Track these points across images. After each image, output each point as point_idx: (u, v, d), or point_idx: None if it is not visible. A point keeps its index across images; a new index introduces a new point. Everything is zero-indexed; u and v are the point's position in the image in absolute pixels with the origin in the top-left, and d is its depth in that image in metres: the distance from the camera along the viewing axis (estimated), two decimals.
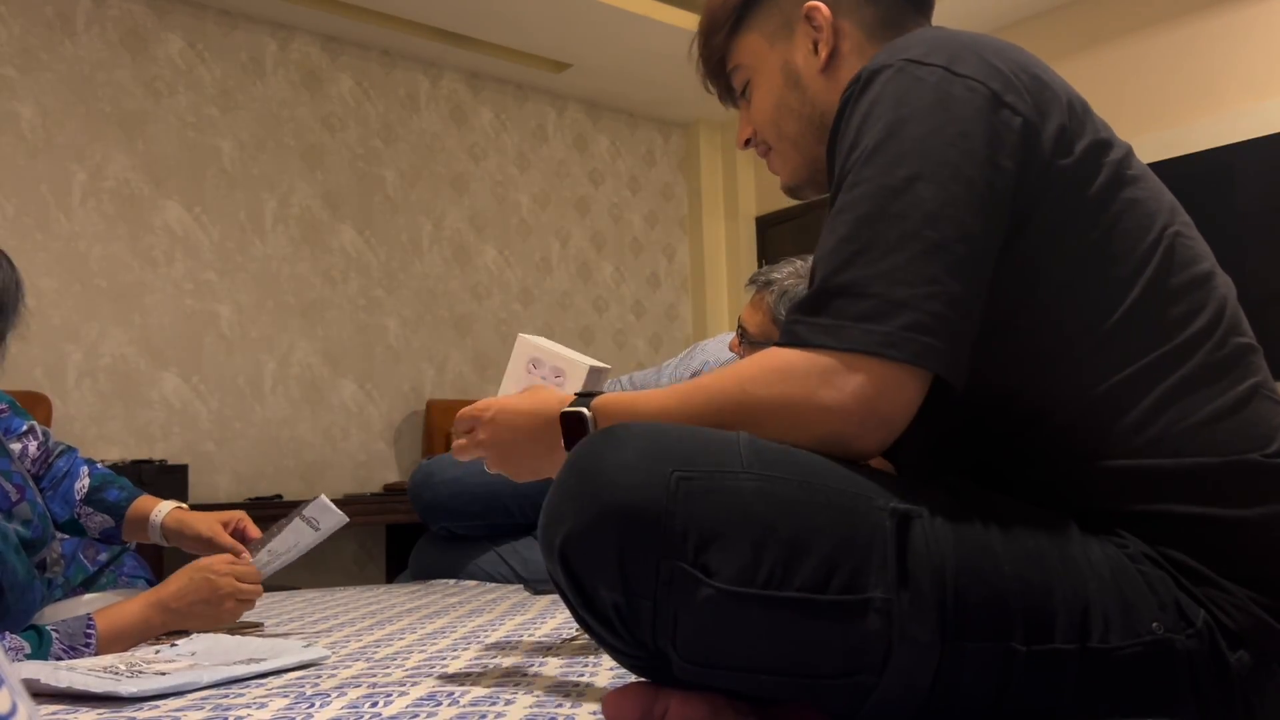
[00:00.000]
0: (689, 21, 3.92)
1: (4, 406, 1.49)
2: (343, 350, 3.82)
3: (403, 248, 4.01)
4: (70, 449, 1.58)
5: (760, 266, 4.89)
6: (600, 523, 0.71)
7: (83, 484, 1.53)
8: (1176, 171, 3.40)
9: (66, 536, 1.60)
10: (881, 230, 0.74)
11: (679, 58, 4.46)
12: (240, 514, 1.51)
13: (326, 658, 1.16)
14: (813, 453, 0.76)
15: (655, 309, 4.83)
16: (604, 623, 0.75)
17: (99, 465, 1.59)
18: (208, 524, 1.49)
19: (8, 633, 1.14)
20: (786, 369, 0.76)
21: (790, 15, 0.97)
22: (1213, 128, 3.37)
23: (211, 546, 1.46)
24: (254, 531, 1.49)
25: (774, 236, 4.86)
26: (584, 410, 0.88)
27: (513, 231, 4.35)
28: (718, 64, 1.04)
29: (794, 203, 4.73)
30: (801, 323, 0.77)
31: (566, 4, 3.67)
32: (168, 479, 3.07)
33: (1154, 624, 0.73)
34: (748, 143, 1.05)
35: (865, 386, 0.73)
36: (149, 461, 3.12)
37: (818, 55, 0.96)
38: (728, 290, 4.94)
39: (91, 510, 1.52)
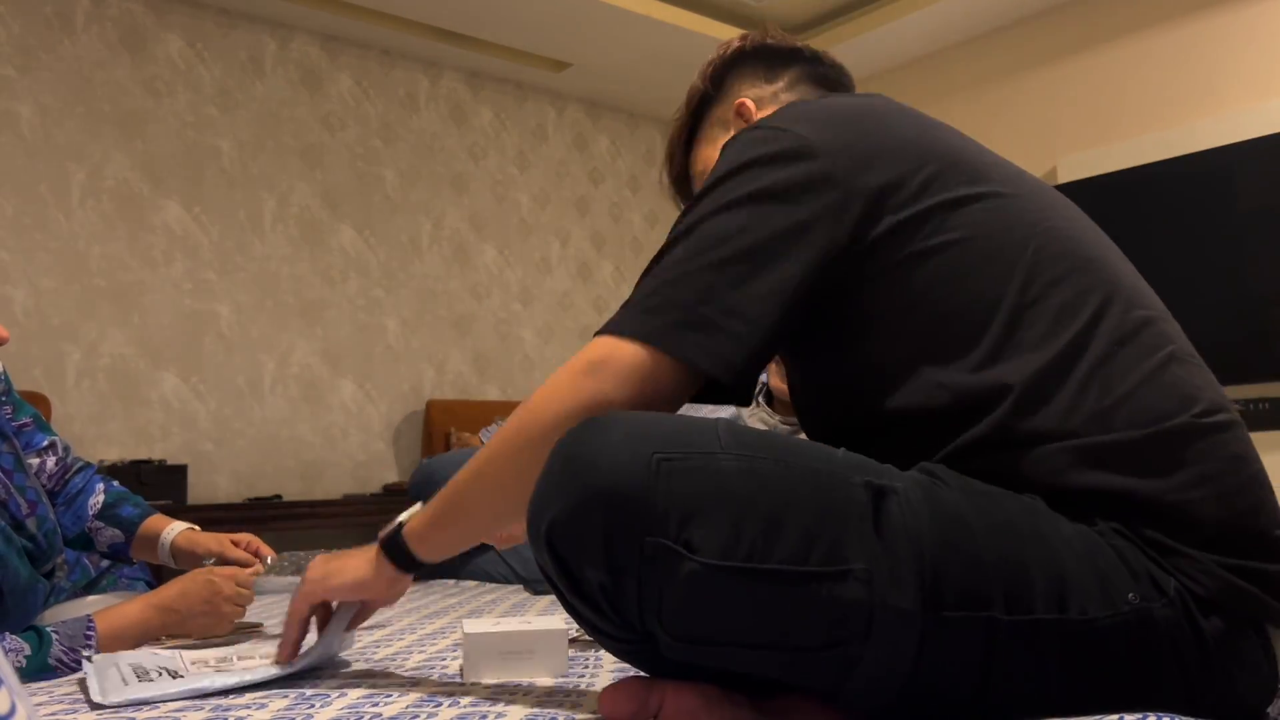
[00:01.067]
0: (689, 21, 3.92)
1: (28, 420, 1.49)
2: (342, 350, 3.82)
3: (402, 248, 4.01)
4: (88, 465, 1.58)
5: None
6: (585, 505, 0.73)
7: (96, 500, 1.54)
8: (1176, 171, 3.40)
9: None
10: (682, 248, 0.87)
11: (679, 57, 4.49)
12: (251, 536, 1.52)
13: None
14: (789, 435, 0.79)
15: None
16: (592, 606, 0.77)
17: (115, 483, 1.60)
18: (218, 540, 1.50)
19: (8, 633, 1.13)
20: (560, 369, 0.87)
21: (725, 117, 1.16)
22: (1213, 128, 3.37)
23: (222, 561, 1.46)
24: (266, 550, 1.51)
25: None
26: (396, 528, 0.98)
27: (513, 231, 4.35)
28: (684, 178, 1.23)
29: None
30: (613, 317, 0.89)
31: (566, 4, 3.67)
32: (167, 479, 3.07)
33: (1130, 594, 0.74)
34: None
35: (627, 366, 0.84)
36: (148, 461, 3.12)
37: None
38: None
39: (103, 525, 1.53)
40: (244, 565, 1.46)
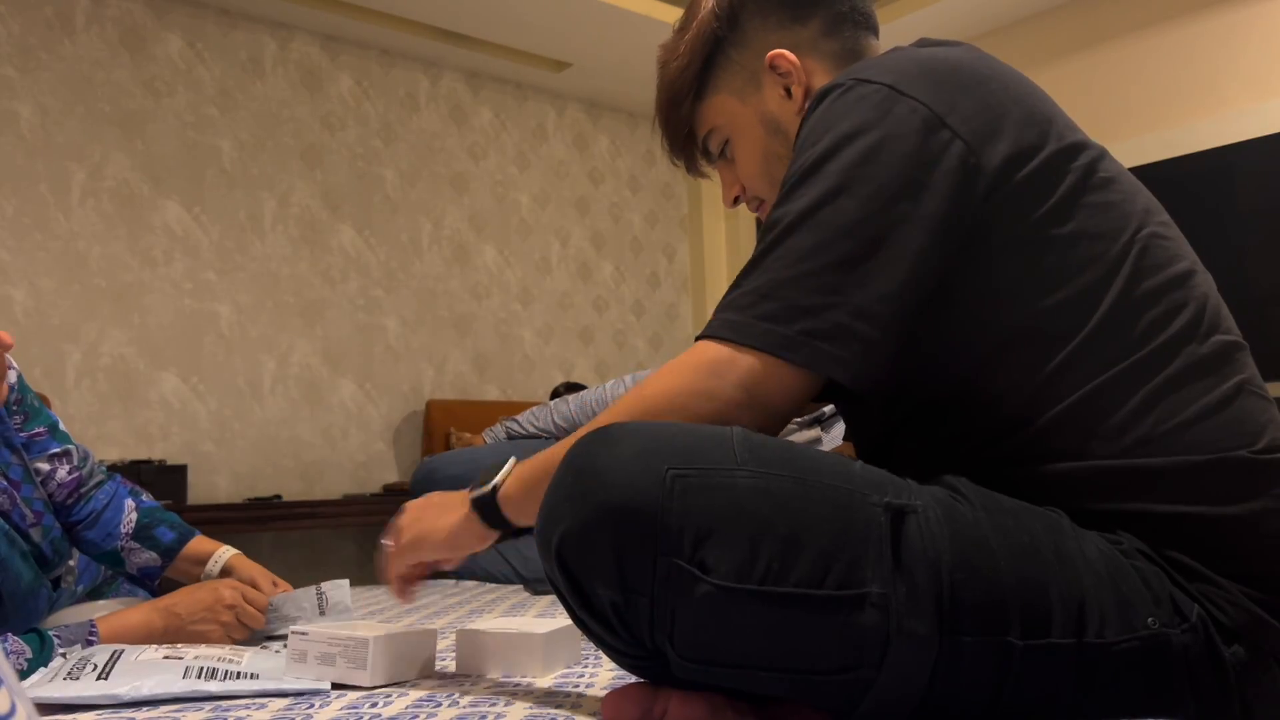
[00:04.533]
0: None
1: (42, 430, 1.46)
2: (342, 350, 3.82)
3: (402, 248, 4.01)
4: (111, 477, 1.54)
5: None
6: (597, 521, 0.71)
7: (130, 518, 1.50)
8: (1176, 171, 3.40)
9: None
10: (799, 241, 0.79)
11: None
12: (288, 585, 1.49)
13: (326, 691, 1.05)
14: (806, 447, 0.77)
15: (655, 309, 4.82)
16: (602, 622, 0.75)
17: (144, 497, 1.56)
18: (264, 574, 1.47)
19: (10, 635, 1.13)
20: (673, 368, 0.82)
21: (754, 69, 1.00)
22: (1213, 128, 3.37)
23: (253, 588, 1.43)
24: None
25: None
26: (492, 490, 0.91)
27: (513, 231, 4.35)
28: (687, 135, 1.06)
29: None
30: (716, 317, 0.81)
31: (566, 4, 3.67)
32: (167, 479, 3.07)
33: (1149, 619, 0.73)
34: (736, 200, 1.07)
35: (749, 376, 0.78)
36: (148, 462, 3.11)
37: (792, 98, 0.99)
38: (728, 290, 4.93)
39: (138, 546, 1.49)
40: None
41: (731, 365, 0.79)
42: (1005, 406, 0.81)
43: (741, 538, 0.69)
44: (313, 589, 1.42)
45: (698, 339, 0.82)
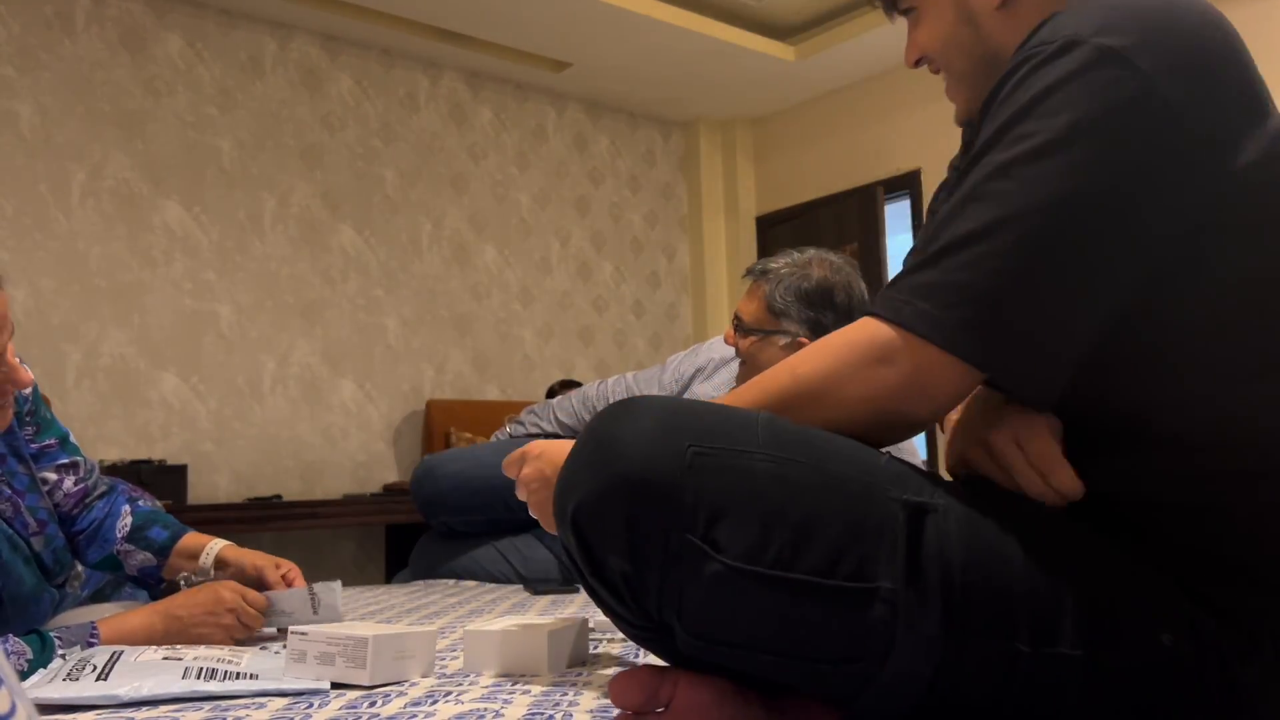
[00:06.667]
0: (689, 21, 3.92)
1: (53, 441, 1.48)
2: (342, 350, 3.82)
3: (402, 247, 4.01)
4: (112, 487, 1.55)
5: None
6: (613, 491, 0.71)
7: (124, 522, 1.51)
8: None
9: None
10: (1010, 237, 0.72)
11: (679, 57, 4.46)
12: (292, 565, 1.47)
13: (325, 691, 1.06)
14: (834, 436, 0.76)
15: (655, 309, 4.82)
16: (612, 591, 0.75)
17: (141, 503, 1.56)
18: (264, 558, 1.46)
19: (11, 636, 1.13)
20: (834, 347, 0.78)
21: None
22: None
23: (258, 584, 1.42)
24: (300, 583, 1.45)
25: (774, 236, 4.86)
26: None
27: (512, 231, 4.35)
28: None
29: (794, 202, 4.74)
30: (910, 304, 0.76)
31: (566, 4, 3.67)
32: (167, 479, 3.07)
33: (1164, 635, 0.72)
34: (918, 62, 0.98)
35: (906, 366, 0.74)
36: (148, 462, 3.12)
37: None
38: (728, 290, 4.94)
39: (133, 548, 1.50)
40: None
41: (891, 353, 0.75)
42: (1153, 416, 0.78)
43: (754, 520, 0.70)
44: (305, 589, 1.42)
45: (871, 314, 0.77)
